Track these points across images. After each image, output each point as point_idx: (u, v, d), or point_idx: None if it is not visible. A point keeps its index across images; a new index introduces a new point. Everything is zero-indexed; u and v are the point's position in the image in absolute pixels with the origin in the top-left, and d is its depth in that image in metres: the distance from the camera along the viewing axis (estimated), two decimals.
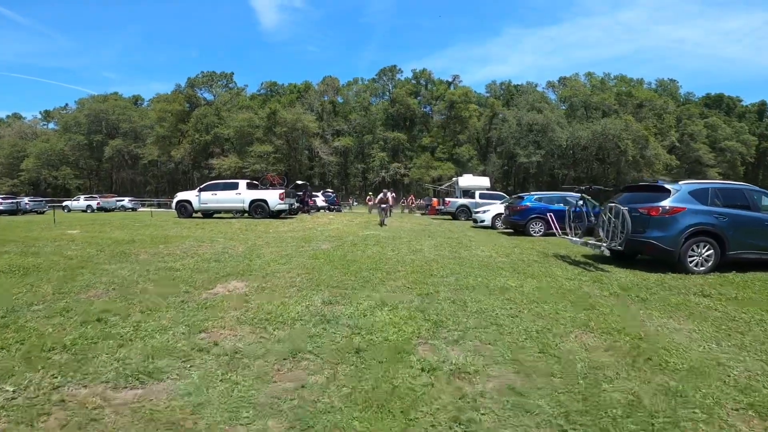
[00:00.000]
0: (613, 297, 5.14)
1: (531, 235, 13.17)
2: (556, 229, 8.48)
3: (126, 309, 4.19)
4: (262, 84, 64.11)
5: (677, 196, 7.02)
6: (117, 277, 5.64)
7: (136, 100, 70.62)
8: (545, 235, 13.23)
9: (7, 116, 76.38)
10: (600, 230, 7.30)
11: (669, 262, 6.95)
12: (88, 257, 7.28)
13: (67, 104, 71.13)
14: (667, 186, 7.23)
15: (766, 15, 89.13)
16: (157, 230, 12.24)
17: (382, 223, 15.44)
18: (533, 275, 6.34)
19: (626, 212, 6.54)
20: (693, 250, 6.91)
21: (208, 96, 59.79)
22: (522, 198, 14.24)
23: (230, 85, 61.11)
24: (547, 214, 8.93)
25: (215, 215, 19.26)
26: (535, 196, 14.08)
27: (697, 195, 7.13)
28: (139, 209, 39.55)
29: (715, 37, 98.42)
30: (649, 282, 6.06)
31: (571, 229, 8.38)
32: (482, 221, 16.90)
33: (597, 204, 8.02)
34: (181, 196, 18.59)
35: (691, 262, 6.91)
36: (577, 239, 7.81)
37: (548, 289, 5.40)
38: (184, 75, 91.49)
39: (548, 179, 55.85)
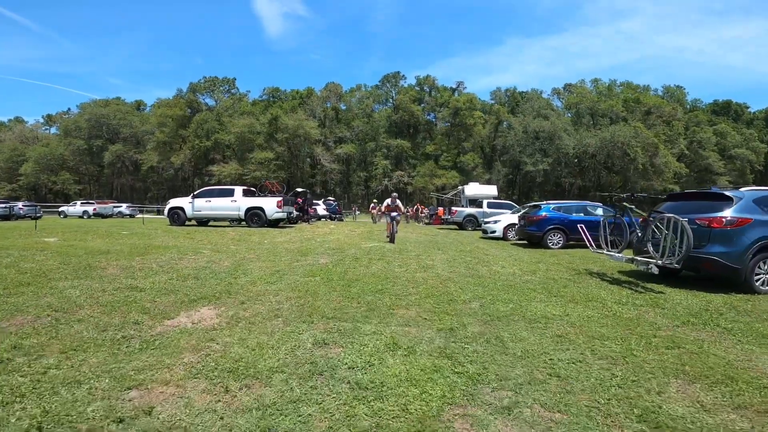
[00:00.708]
0: (689, 327, 4.03)
1: (549, 248, 12.07)
2: (590, 242, 7.37)
3: (43, 346, 3.10)
4: (264, 90, 63.39)
5: (741, 204, 5.91)
6: (62, 298, 4.55)
7: (139, 105, 69.98)
8: (564, 247, 12.15)
9: (9, 120, 76.01)
10: (648, 245, 6.18)
11: (733, 281, 5.83)
12: (45, 271, 6.19)
13: (69, 108, 70.53)
14: (728, 193, 6.13)
15: (764, 23, 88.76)
16: (142, 239, 11.17)
17: (391, 239, 11.90)
18: (574, 299, 5.21)
19: (686, 225, 5.43)
20: (759, 267, 5.83)
21: (210, 101, 59.12)
22: (539, 207, 13.12)
23: (232, 90, 60.45)
24: (578, 225, 7.82)
25: (210, 223, 18.23)
26: (553, 206, 12.97)
27: (762, 203, 6.04)
28: (137, 216, 38.60)
29: (716, 45, 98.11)
30: (717, 305, 4.97)
31: (606, 243, 7.25)
32: (493, 232, 15.78)
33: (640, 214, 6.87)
34: (174, 202, 17.55)
35: (756, 280, 5.82)
36: (619, 255, 6.68)
37: (602, 319, 4.28)
38: (188, 82, 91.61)
39: (554, 188, 54.69)
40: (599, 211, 13.07)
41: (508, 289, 5.67)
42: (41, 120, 74.31)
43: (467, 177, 46.92)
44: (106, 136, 58.38)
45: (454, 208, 23.85)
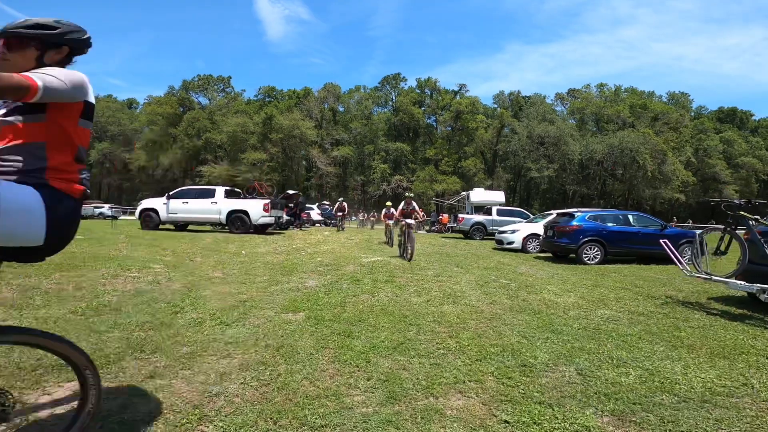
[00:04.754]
0: None
1: (585, 263, 10.14)
2: (680, 262, 5.42)
3: None
4: (259, 89, 61.25)
5: None
6: None
7: (131, 104, 67.64)
8: (602, 262, 10.23)
9: None
10: None
11: None
12: None
13: None
14: None
15: (763, 31, 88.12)
16: (92, 246, 9.06)
17: (409, 254, 8.69)
18: (714, 351, 3.29)
19: None
20: None
21: (204, 100, 56.99)
22: (571, 216, 11.16)
23: (227, 89, 58.32)
24: (662, 241, 5.87)
25: (189, 227, 16.11)
26: (588, 215, 11.05)
27: None
28: (121, 217, 36.37)
29: (714, 54, 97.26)
30: None
31: (701, 264, 5.28)
32: (510, 243, 13.78)
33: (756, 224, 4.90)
34: (146, 204, 15.43)
35: None
36: (743, 283, 4.71)
37: None
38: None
39: (557, 196, 52.92)
40: (632, 220, 11.33)
41: (595, 337, 3.66)
42: None
43: (468, 183, 45.14)
44: (94, 134, 56.02)
45: (460, 216, 21.86)
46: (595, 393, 2.50)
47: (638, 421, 2.17)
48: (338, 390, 2.41)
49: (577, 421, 2.15)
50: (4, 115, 1.53)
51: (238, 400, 2.25)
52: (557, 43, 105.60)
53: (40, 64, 1.61)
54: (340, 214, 21.53)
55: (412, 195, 10.73)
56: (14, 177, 1.46)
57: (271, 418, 2.06)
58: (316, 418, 2.07)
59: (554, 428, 2.08)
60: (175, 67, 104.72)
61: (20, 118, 1.50)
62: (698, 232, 5.56)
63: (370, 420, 2.07)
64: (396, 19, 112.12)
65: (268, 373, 2.61)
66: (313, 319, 3.86)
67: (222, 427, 1.97)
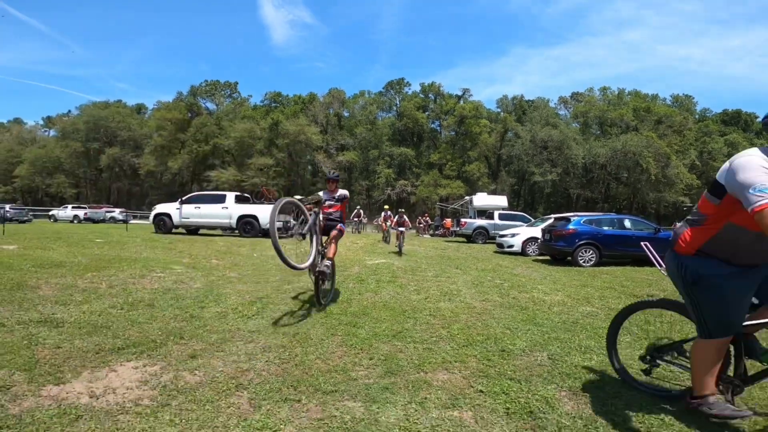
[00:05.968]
0: None
1: (580, 266, 10.59)
2: (659, 264, 5.85)
3: None
4: (265, 94, 62.08)
5: None
6: None
7: (140, 109, 68.71)
8: (597, 264, 10.68)
9: (8, 121, 74.65)
10: None
11: None
12: None
13: (69, 111, 69.17)
14: None
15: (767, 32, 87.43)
16: (113, 249, 9.67)
17: (399, 249, 12.21)
18: None
19: None
20: None
21: (211, 105, 57.93)
22: (567, 220, 11.63)
23: (234, 95, 59.27)
24: (642, 243, 6.32)
25: (200, 232, 16.74)
26: (584, 219, 11.51)
27: None
28: (131, 221, 37.20)
29: (719, 55, 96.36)
30: None
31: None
32: (510, 246, 14.26)
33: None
34: (160, 208, 16.11)
35: None
36: None
37: None
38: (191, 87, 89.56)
39: (561, 200, 53.15)
40: (627, 223, 11.75)
41: (572, 329, 4.16)
42: (41, 122, 73.13)
43: (472, 187, 45.52)
44: (104, 139, 57.18)
45: (463, 220, 22.35)
46: (560, 373, 3.00)
47: (596, 400, 2.66)
48: (345, 366, 2.93)
49: (539, 393, 2.64)
50: (335, 201, 5.02)
51: (265, 373, 2.78)
52: (561, 46, 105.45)
53: (334, 189, 5.11)
54: (356, 219, 25.24)
55: (403, 210, 15.66)
56: (339, 222, 4.95)
57: (292, 386, 2.59)
58: (327, 386, 2.59)
59: (519, 397, 2.58)
60: (180, 72, 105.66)
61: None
62: (671, 234, 6.01)
63: (371, 388, 2.59)
64: (399, 22, 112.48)
65: (287, 354, 3.14)
66: (323, 313, 4.39)
67: (254, 392, 2.50)
